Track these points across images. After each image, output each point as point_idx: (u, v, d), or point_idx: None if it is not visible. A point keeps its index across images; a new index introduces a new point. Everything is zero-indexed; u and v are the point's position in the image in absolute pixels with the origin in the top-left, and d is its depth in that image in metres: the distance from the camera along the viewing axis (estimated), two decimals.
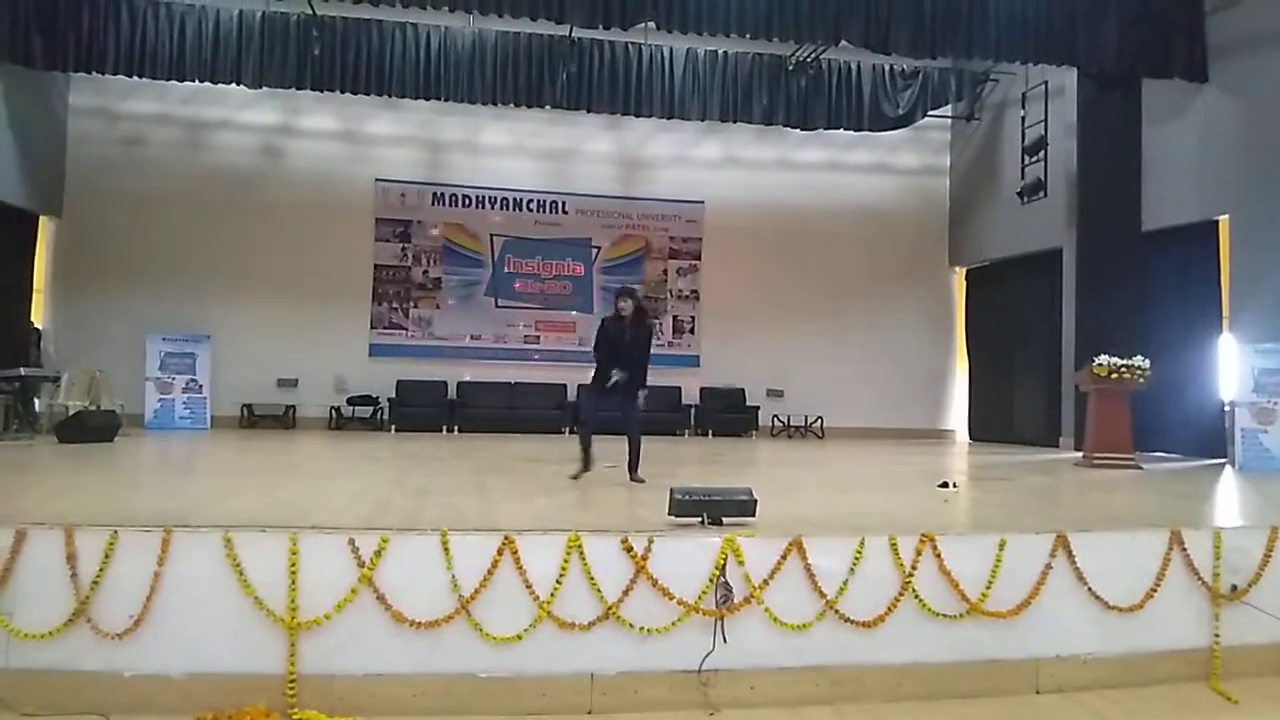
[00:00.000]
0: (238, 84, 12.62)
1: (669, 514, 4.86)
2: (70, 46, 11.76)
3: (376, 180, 15.23)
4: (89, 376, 12.25)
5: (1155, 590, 4.91)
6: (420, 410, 14.61)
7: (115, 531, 4.19)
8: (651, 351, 7.39)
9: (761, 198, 16.14)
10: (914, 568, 4.66)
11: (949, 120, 16.26)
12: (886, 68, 14.17)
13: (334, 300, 14.86)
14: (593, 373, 7.28)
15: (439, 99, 13.29)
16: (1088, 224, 12.33)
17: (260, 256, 14.60)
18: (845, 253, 16.31)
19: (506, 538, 4.38)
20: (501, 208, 15.66)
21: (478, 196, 15.57)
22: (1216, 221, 11.51)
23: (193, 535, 4.25)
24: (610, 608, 4.36)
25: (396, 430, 14.34)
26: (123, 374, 12.86)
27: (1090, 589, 4.83)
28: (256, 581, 4.18)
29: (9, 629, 4.06)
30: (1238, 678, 4.87)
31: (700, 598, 4.44)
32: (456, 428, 14.52)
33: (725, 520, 4.82)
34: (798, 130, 14.66)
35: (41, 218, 13.74)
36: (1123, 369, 9.60)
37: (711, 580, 4.46)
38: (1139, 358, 9.69)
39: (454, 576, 4.29)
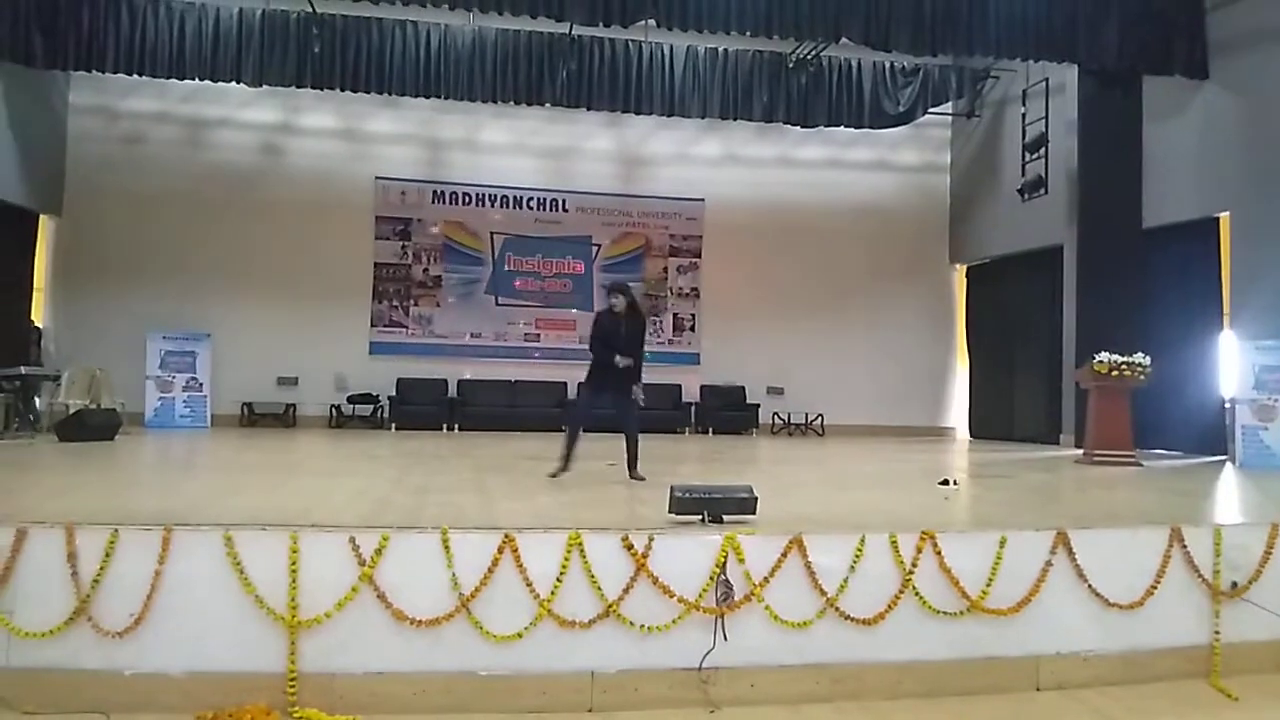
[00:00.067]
0: (238, 82, 12.60)
1: (669, 512, 4.86)
2: (70, 45, 11.74)
3: (376, 178, 15.23)
4: (89, 375, 12.26)
5: (1156, 587, 4.91)
6: (420, 408, 14.61)
7: (116, 530, 4.19)
8: (645, 347, 7.36)
9: (762, 195, 16.14)
10: (914, 565, 4.66)
11: (949, 117, 16.24)
12: (887, 65, 14.14)
13: (334, 298, 14.86)
14: (588, 369, 7.25)
15: (439, 97, 13.27)
16: (1088, 221, 12.33)
17: (260, 255, 14.60)
18: (846, 250, 16.31)
19: (507, 536, 4.38)
20: (502, 205, 15.66)
21: (478, 194, 15.57)
22: (1217, 218, 11.49)
23: (193, 534, 4.25)
24: (611, 606, 4.36)
25: (397, 428, 14.34)
26: (123, 372, 12.86)
27: (1091, 586, 4.83)
28: (257, 580, 4.17)
29: (10, 628, 4.07)
30: (1238, 674, 4.87)
31: (701, 595, 4.44)
32: (457, 426, 14.52)
33: (726, 518, 4.82)
34: (798, 128, 14.63)
35: (41, 216, 13.73)
36: (1123, 366, 9.59)
37: (712, 578, 4.46)
38: (1139, 355, 9.68)
39: (454, 575, 4.29)
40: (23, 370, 11.48)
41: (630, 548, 4.44)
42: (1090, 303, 12.06)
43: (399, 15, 12.55)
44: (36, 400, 11.59)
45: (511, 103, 13.60)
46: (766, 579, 4.51)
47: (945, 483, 7.59)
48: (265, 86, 12.97)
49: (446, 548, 4.31)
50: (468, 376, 15.25)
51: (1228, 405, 10.84)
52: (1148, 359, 9.70)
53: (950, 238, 16.90)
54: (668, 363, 15.67)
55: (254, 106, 14.67)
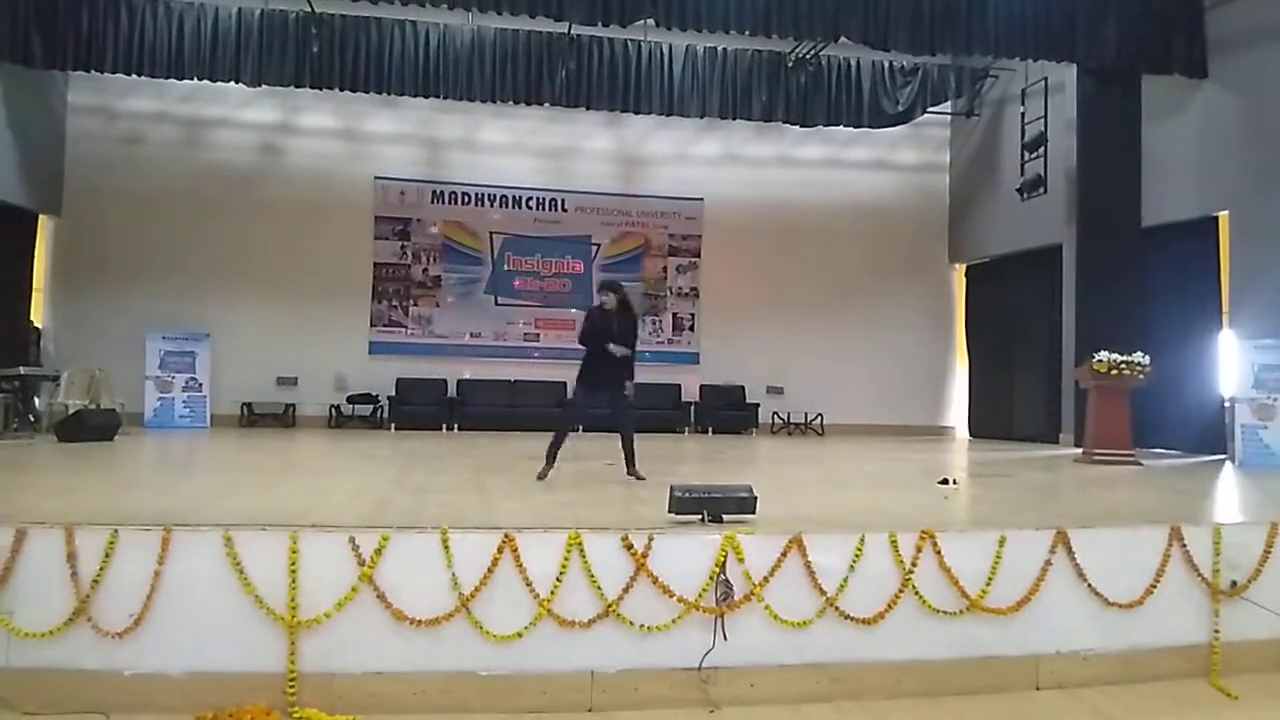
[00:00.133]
0: (236, 82, 12.58)
1: (669, 511, 4.86)
2: (69, 45, 11.74)
3: (376, 178, 15.23)
4: (89, 375, 12.24)
5: (1155, 586, 4.91)
6: (420, 408, 14.61)
7: (115, 530, 4.19)
8: (639, 346, 7.34)
9: (761, 195, 16.14)
10: (914, 565, 4.66)
11: (949, 117, 16.24)
12: (886, 64, 14.14)
13: (333, 298, 14.86)
14: (580, 368, 7.24)
15: (438, 97, 13.26)
16: (1087, 220, 12.34)
17: (260, 255, 14.60)
18: (845, 249, 16.31)
19: (507, 536, 4.38)
20: (501, 205, 15.65)
21: (477, 194, 15.56)
22: (1216, 217, 11.49)
23: (193, 534, 4.25)
24: (610, 605, 4.36)
25: (396, 428, 14.33)
26: (122, 372, 12.84)
27: (1090, 585, 4.83)
28: (257, 580, 4.17)
29: (9, 628, 4.06)
30: (1237, 673, 4.87)
31: (700, 595, 4.44)
32: (456, 426, 14.51)
33: (725, 517, 4.82)
34: (797, 127, 14.62)
35: (41, 216, 13.73)
36: (1123, 365, 9.59)
37: (712, 578, 4.46)
38: (1139, 354, 9.68)
39: (454, 574, 4.29)
40: (22, 370, 11.49)
41: (630, 547, 4.44)
42: (1089, 302, 12.07)
43: (398, 15, 12.54)
44: (36, 400, 11.59)
45: (510, 102, 13.59)
46: (766, 579, 4.51)
47: (945, 482, 7.59)
48: (264, 86, 12.95)
49: (446, 548, 4.31)
50: (467, 376, 15.24)
51: (1227, 404, 10.84)
52: (1147, 358, 9.70)
53: (949, 237, 16.90)
54: (667, 362, 15.69)
55: (253, 106, 14.66)
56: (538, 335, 15.66)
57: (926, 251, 16.80)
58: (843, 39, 11.76)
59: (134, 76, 12.41)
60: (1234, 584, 5.02)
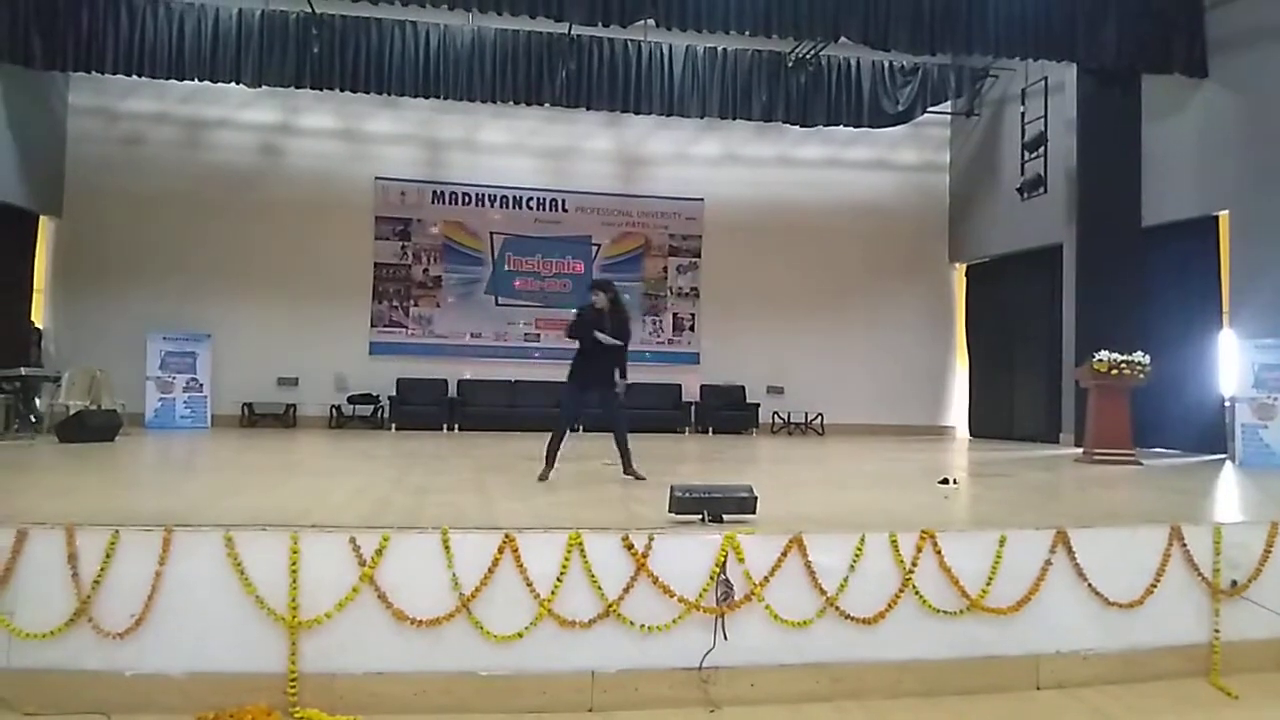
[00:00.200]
0: (237, 83, 12.58)
1: (669, 511, 4.86)
2: (69, 46, 11.74)
3: (376, 178, 15.23)
4: (89, 376, 12.24)
5: (1155, 586, 4.91)
6: (420, 408, 14.61)
7: (116, 531, 4.19)
8: (630, 345, 7.35)
9: (761, 195, 16.14)
10: (914, 564, 4.66)
11: (949, 116, 16.24)
12: (886, 64, 14.14)
13: (334, 299, 14.86)
14: (570, 367, 7.24)
15: (438, 97, 13.26)
16: (1088, 220, 12.34)
17: (260, 255, 14.61)
18: (845, 249, 16.31)
19: (507, 536, 4.38)
20: (501, 205, 15.66)
21: (477, 194, 15.57)
22: (1216, 217, 11.49)
23: (194, 534, 4.25)
24: (611, 605, 4.37)
25: (397, 429, 14.34)
26: (123, 373, 12.85)
27: (1090, 585, 4.83)
28: (257, 580, 4.18)
29: (10, 629, 4.07)
30: (1238, 673, 4.87)
31: (701, 595, 4.44)
32: (457, 426, 14.52)
33: (726, 517, 4.82)
34: (797, 127, 14.62)
35: (41, 217, 13.73)
36: (1123, 365, 9.59)
37: (712, 577, 4.46)
38: (1139, 353, 9.67)
39: (455, 575, 4.29)
40: (23, 371, 11.49)
41: (630, 547, 4.44)
42: (1089, 301, 12.07)
43: (398, 15, 12.54)
44: (37, 401, 11.60)
45: (511, 103, 13.59)
46: (766, 578, 4.51)
47: (945, 481, 7.59)
48: (264, 87, 12.96)
49: (447, 548, 4.32)
50: (467, 376, 15.25)
51: (1227, 404, 10.84)
52: (1147, 357, 9.70)
53: (950, 236, 16.90)
54: (667, 362, 15.70)
55: (253, 107, 14.67)
56: (538, 335, 15.66)
57: (926, 251, 16.80)
58: (843, 39, 11.77)
59: (134, 77, 12.41)
60: (1234, 583, 5.02)
